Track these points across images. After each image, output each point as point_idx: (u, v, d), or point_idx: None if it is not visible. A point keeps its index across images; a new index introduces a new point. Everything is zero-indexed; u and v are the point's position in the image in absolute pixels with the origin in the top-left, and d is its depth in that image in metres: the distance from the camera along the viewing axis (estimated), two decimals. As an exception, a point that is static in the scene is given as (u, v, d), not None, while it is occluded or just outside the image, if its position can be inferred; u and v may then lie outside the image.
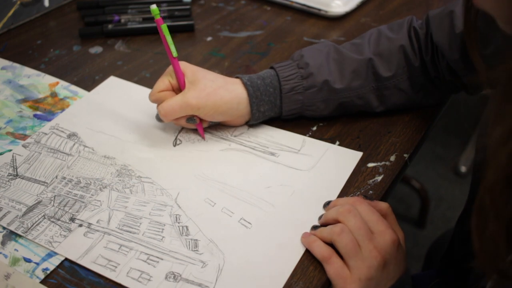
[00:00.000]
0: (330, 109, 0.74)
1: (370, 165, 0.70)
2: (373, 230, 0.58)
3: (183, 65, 0.71)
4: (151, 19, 0.97)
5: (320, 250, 0.59)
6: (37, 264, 0.58)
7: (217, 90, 0.69)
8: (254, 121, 0.74)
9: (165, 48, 0.70)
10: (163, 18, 0.97)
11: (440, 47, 0.70)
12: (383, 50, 0.73)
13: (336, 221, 0.60)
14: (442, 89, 0.75)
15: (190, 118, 0.71)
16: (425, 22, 0.73)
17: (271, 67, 0.74)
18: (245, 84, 0.71)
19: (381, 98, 0.74)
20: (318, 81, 0.72)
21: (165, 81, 0.71)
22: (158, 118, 0.73)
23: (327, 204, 0.64)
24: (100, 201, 0.65)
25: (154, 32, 0.96)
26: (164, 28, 0.69)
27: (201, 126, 0.73)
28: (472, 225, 0.43)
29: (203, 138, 0.74)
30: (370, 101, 0.74)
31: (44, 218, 0.63)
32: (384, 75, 0.72)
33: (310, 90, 0.72)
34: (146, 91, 0.82)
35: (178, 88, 0.71)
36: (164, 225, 0.63)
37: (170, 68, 0.71)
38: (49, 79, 0.84)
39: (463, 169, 1.85)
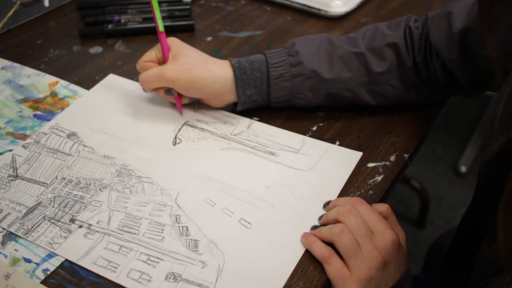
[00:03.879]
0: (319, 99, 0.75)
1: (370, 165, 0.70)
2: (373, 230, 0.58)
3: (172, 41, 0.75)
4: (151, 19, 0.97)
5: (320, 250, 0.59)
6: (37, 264, 0.58)
7: (195, 67, 0.72)
8: (241, 105, 0.75)
9: (154, 23, 0.74)
10: (163, 18, 0.97)
11: (437, 47, 0.70)
12: (377, 46, 0.73)
13: (336, 221, 0.60)
14: (435, 90, 0.75)
15: (168, 90, 0.74)
16: (422, 23, 0.73)
17: (263, 53, 0.75)
18: (232, 66, 0.73)
19: (372, 93, 0.74)
20: (306, 70, 0.72)
21: (152, 53, 0.75)
22: (143, 88, 0.76)
23: (327, 204, 0.64)
24: (100, 201, 0.65)
25: (154, 32, 0.95)
26: (154, 2, 0.73)
27: (179, 100, 0.76)
28: (499, 219, 0.42)
29: (180, 112, 0.77)
30: (360, 95, 0.74)
31: (44, 219, 0.63)
32: (376, 70, 0.73)
33: (298, 78, 0.73)
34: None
35: (163, 62, 0.75)
36: (164, 225, 0.63)
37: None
38: (49, 79, 0.84)
39: (463, 169, 1.85)
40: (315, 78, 0.73)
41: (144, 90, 0.77)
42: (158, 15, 0.74)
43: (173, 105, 0.79)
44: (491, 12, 0.56)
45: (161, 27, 0.73)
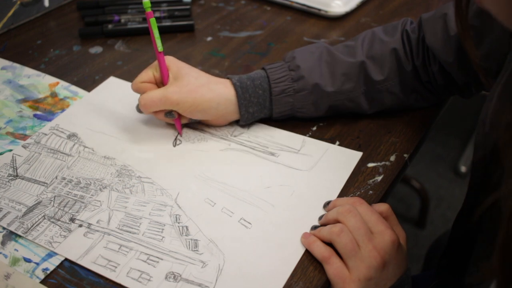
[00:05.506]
0: (321, 111, 0.74)
1: (370, 165, 0.70)
2: (372, 230, 0.58)
3: (170, 60, 0.71)
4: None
5: (320, 250, 0.59)
6: (37, 264, 0.58)
7: (199, 87, 0.69)
8: (243, 122, 0.74)
9: (152, 42, 0.71)
10: (163, 18, 0.97)
11: (434, 50, 0.70)
12: (376, 53, 0.72)
13: (336, 221, 0.60)
14: (435, 92, 0.75)
15: (169, 113, 0.71)
16: (417, 25, 0.73)
17: (263, 68, 0.74)
18: (234, 85, 0.71)
19: (372, 101, 0.74)
20: (309, 84, 0.71)
21: (149, 73, 0.71)
22: (138, 109, 0.73)
23: (327, 204, 0.64)
24: (100, 201, 0.65)
25: (154, 32, 0.96)
26: (152, 21, 0.69)
27: (179, 121, 0.74)
28: (495, 264, 0.42)
29: (180, 134, 0.75)
30: (361, 104, 0.74)
31: (44, 218, 0.63)
32: (376, 79, 0.72)
33: (300, 93, 0.72)
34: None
35: (161, 82, 0.72)
36: (164, 225, 0.63)
37: (157, 62, 0.72)
38: (49, 79, 0.85)
39: (463, 169, 1.85)
40: (317, 92, 0.72)
41: (139, 111, 0.73)
42: (156, 34, 0.69)
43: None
44: (473, 21, 0.56)
45: (160, 47, 0.70)
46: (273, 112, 0.73)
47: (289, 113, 0.74)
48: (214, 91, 0.70)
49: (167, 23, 0.95)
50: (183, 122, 0.75)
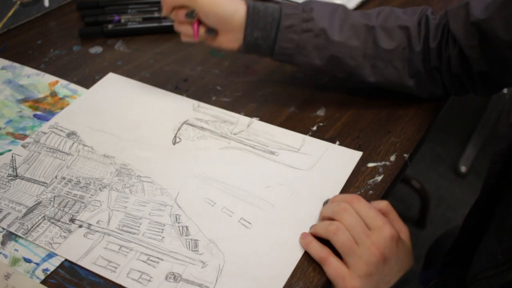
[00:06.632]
0: (322, 60, 0.75)
1: (370, 165, 0.70)
2: (370, 226, 0.58)
3: None
4: (151, 19, 0.97)
5: (317, 251, 0.58)
6: (37, 264, 0.58)
7: None
8: (244, 47, 0.75)
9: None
10: (163, 18, 0.97)
11: (456, 34, 0.70)
12: (388, 25, 0.74)
13: (332, 219, 0.60)
14: (439, 82, 0.75)
15: (188, 14, 0.73)
16: (440, 15, 0.74)
17: (279, 3, 0.75)
18: (247, 4, 0.73)
19: (373, 68, 0.74)
20: (317, 27, 0.73)
21: None
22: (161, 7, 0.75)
23: (326, 203, 0.64)
24: (99, 201, 0.65)
25: (154, 32, 0.96)
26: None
27: (197, 25, 0.74)
28: None
29: (195, 38, 0.75)
30: (362, 67, 0.74)
31: (44, 219, 0.63)
32: (383, 47, 0.73)
33: (307, 33, 0.73)
34: (145, 87, 0.82)
35: None
36: (164, 225, 0.63)
37: None
38: (49, 78, 0.84)
39: (463, 169, 1.85)
40: (323, 37, 0.73)
41: (159, 13, 0.74)
42: None
43: (173, 103, 0.79)
44: None
45: None
46: (276, 46, 0.74)
47: (291, 52, 0.74)
48: (231, 1, 0.72)
49: (167, 23, 0.95)
50: (200, 33, 0.75)
